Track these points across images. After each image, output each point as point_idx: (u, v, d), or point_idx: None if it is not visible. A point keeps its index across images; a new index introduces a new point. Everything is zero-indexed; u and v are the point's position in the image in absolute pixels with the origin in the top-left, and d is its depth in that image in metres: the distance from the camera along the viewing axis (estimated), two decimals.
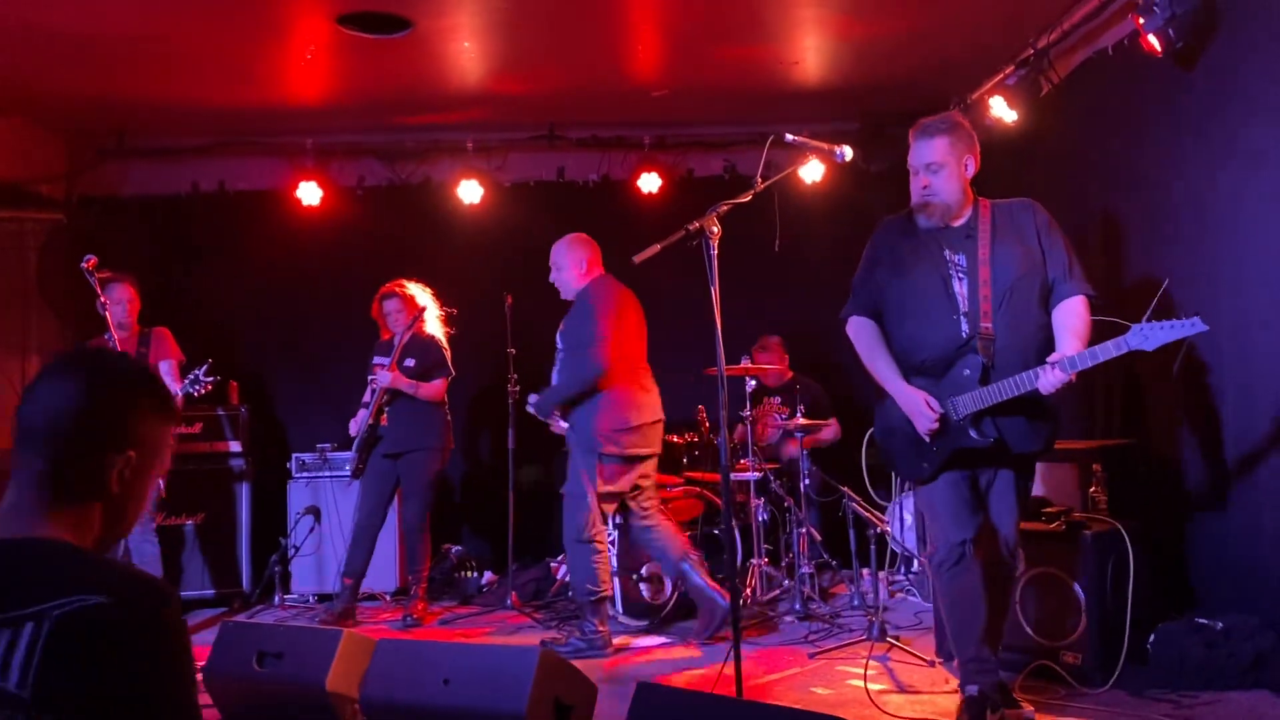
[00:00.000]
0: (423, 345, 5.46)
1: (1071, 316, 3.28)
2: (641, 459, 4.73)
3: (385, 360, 5.50)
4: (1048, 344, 3.26)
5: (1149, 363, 4.54)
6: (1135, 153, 4.62)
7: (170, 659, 1.30)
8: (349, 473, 5.60)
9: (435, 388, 5.43)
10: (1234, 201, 3.94)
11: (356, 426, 5.52)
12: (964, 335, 3.30)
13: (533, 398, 4.86)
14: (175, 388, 4.99)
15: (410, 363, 5.42)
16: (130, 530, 1.54)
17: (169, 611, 1.32)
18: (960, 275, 3.36)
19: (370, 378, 5.56)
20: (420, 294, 5.57)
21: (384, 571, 5.93)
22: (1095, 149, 4.98)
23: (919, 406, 3.32)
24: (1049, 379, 3.11)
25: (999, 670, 3.39)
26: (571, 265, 4.83)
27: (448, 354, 5.52)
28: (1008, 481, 3.42)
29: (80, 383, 1.43)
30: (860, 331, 3.54)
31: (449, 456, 5.64)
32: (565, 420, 4.77)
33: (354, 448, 5.49)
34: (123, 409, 1.44)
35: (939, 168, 3.35)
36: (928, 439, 3.34)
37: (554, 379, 4.85)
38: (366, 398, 5.61)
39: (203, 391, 4.93)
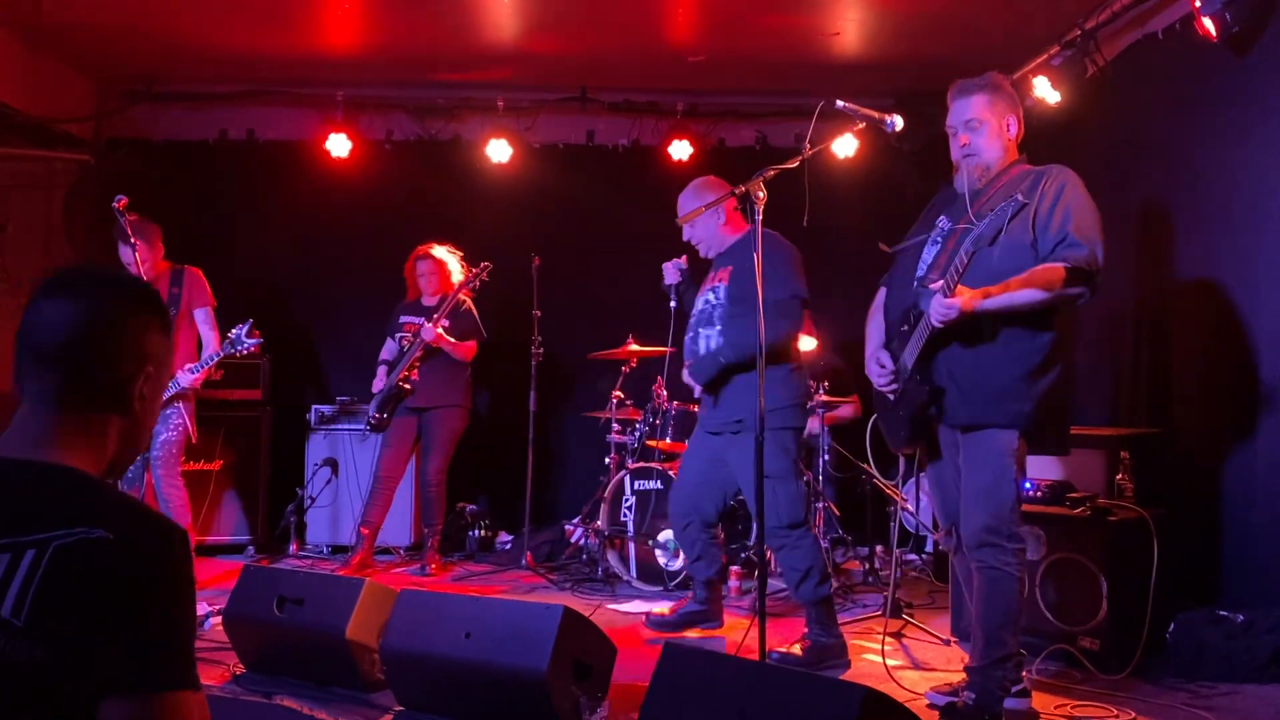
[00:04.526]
0: (456, 308, 5.55)
1: (1025, 272, 2.95)
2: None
3: (414, 319, 5.58)
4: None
5: (1180, 353, 4.54)
6: (1183, 139, 4.54)
7: (168, 602, 1.25)
8: (367, 425, 5.63)
9: (470, 348, 5.59)
10: None
11: (380, 384, 5.57)
12: (913, 298, 3.18)
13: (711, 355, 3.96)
14: (212, 340, 4.92)
15: (445, 324, 5.49)
16: (146, 446, 1.52)
17: (172, 554, 1.27)
18: (937, 240, 3.22)
19: (399, 335, 5.64)
20: (454, 260, 5.69)
21: (399, 525, 5.97)
22: (1141, 134, 4.90)
23: (870, 364, 3.31)
24: (934, 306, 2.92)
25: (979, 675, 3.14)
26: (709, 214, 4.03)
27: (477, 318, 5.65)
28: (965, 462, 3.13)
29: (97, 299, 1.39)
30: (874, 302, 3.51)
31: (469, 417, 5.70)
32: (710, 390, 4.04)
33: (376, 402, 5.52)
34: (140, 325, 1.42)
35: (979, 125, 3.20)
36: (891, 398, 3.26)
37: (706, 345, 4.04)
38: (386, 355, 5.68)
39: (244, 353, 4.78)
